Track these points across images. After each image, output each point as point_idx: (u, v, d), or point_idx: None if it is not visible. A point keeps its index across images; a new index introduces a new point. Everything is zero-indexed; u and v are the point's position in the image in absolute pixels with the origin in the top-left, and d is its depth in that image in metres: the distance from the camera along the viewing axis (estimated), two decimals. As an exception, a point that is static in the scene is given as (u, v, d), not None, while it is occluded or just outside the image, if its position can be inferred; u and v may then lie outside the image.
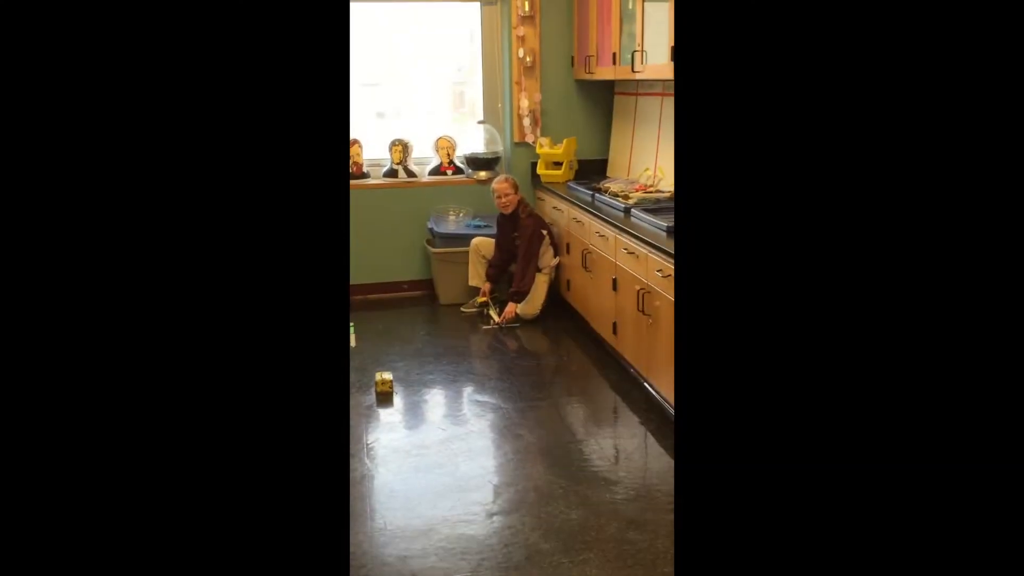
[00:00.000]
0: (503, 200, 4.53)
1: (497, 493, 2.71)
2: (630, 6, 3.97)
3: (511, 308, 4.46)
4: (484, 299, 4.67)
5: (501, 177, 4.60)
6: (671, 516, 2.46)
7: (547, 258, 4.58)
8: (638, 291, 3.34)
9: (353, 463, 2.93)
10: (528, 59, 4.92)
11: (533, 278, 4.51)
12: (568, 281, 4.52)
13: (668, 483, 2.73)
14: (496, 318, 4.48)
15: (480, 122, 5.15)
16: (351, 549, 2.38)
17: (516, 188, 4.56)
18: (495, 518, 2.55)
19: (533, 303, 4.52)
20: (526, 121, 5.00)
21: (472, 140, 5.15)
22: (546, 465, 2.89)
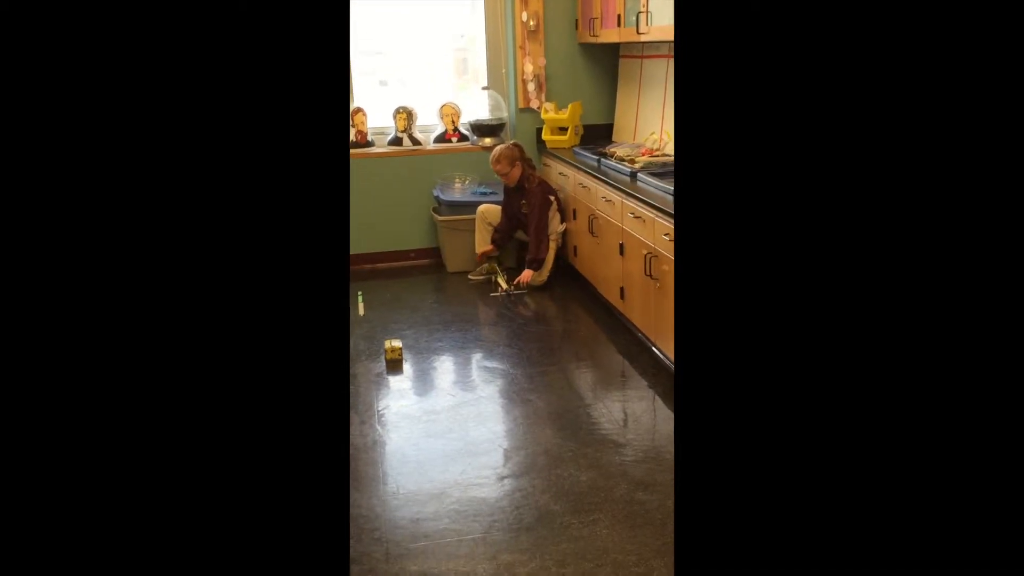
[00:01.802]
0: (503, 178, 4.54)
1: (507, 457, 2.74)
2: (634, -33, 3.92)
3: (527, 274, 4.45)
4: (487, 251, 4.67)
5: (496, 153, 4.50)
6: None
7: (554, 224, 4.57)
8: (645, 255, 3.34)
9: (364, 429, 2.97)
10: (532, 23, 4.87)
11: (548, 245, 4.51)
12: (575, 247, 4.52)
13: (676, 445, 2.75)
14: (504, 285, 4.49)
15: (484, 88, 5.12)
16: (364, 513, 2.42)
17: (515, 159, 4.48)
18: (505, 481, 2.58)
19: (541, 270, 4.52)
20: (530, 86, 4.97)
21: (477, 106, 5.12)
22: (555, 429, 2.92)
